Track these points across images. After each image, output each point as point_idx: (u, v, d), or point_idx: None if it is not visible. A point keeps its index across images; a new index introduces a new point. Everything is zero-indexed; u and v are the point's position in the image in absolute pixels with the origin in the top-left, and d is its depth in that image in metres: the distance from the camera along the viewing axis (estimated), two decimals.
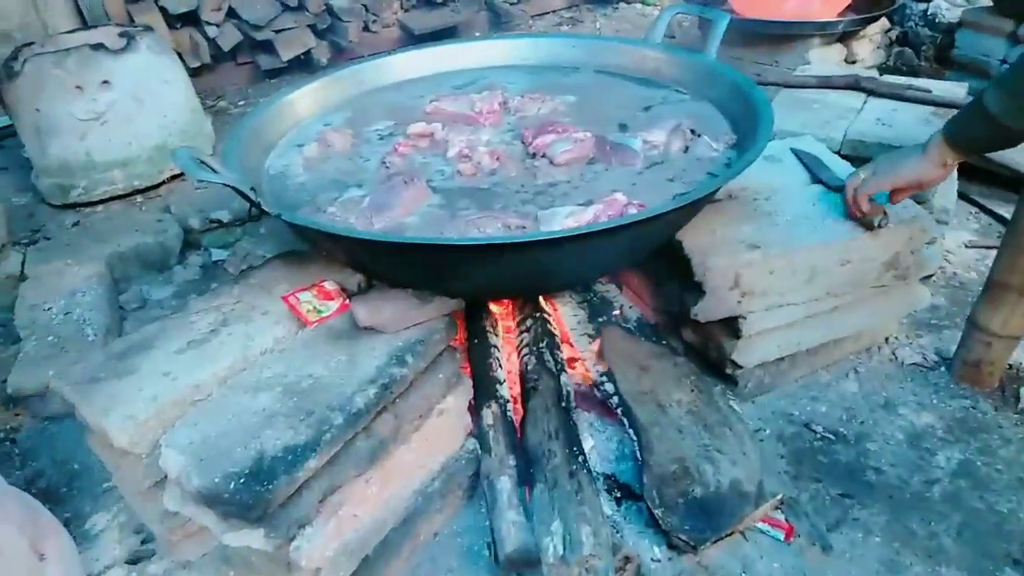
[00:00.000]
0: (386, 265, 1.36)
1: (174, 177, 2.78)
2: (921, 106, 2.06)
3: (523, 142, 1.65)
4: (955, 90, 2.16)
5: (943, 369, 1.82)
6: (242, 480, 1.07)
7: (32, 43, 2.75)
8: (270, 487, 1.07)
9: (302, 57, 3.71)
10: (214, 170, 1.33)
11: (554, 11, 4.62)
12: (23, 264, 2.33)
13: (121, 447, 1.19)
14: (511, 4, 4.31)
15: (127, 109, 2.59)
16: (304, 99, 1.82)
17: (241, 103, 3.64)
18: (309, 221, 1.27)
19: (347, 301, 1.39)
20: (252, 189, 1.25)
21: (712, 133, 1.58)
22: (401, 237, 1.23)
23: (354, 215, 1.39)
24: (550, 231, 1.25)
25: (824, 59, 2.79)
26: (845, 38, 2.83)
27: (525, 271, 1.30)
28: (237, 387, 1.23)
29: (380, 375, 1.22)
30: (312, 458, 1.11)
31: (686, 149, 1.56)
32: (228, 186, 1.24)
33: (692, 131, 1.57)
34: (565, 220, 1.31)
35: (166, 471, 1.14)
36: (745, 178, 1.47)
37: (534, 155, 1.58)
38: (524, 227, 1.32)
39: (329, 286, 1.43)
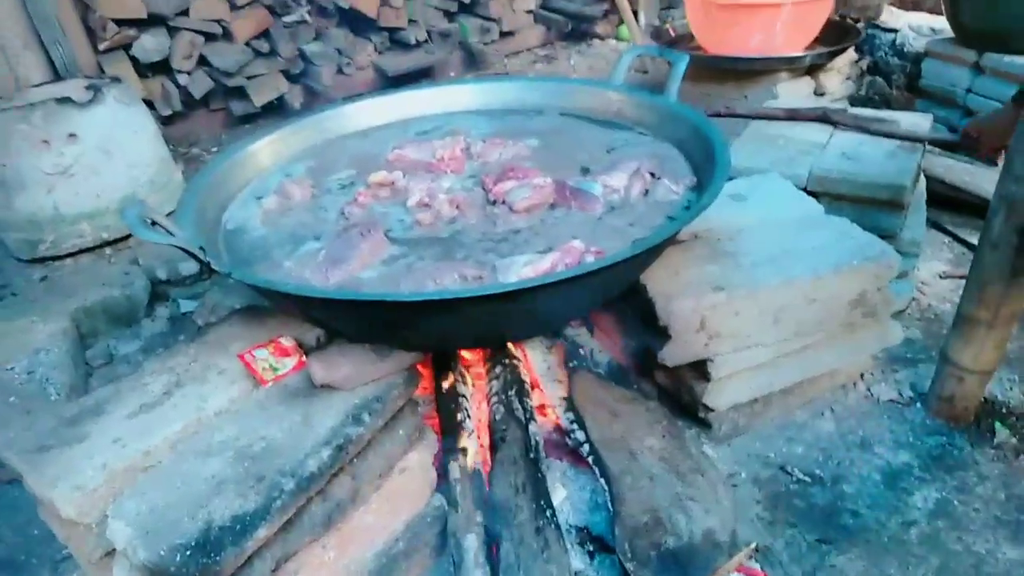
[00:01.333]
0: (340, 321, 1.33)
1: None
2: (887, 140, 2.06)
3: (484, 188, 1.63)
4: (921, 122, 2.17)
5: (919, 405, 1.80)
6: (188, 552, 1.03)
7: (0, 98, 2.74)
8: (218, 559, 1.03)
9: (275, 102, 3.71)
10: (165, 228, 1.31)
11: (529, 49, 4.67)
12: None
13: (69, 518, 1.15)
14: (485, 44, 4.34)
15: (94, 162, 2.57)
16: (265, 149, 1.81)
17: (214, 149, 3.63)
18: (258, 280, 1.25)
19: (304, 358, 1.36)
20: (201, 248, 1.23)
21: (672, 175, 1.57)
22: (346, 293, 1.21)
23: (310, 269, 1.37)
24: (499, 284, 1.23)
25: (793, 92, 2.81)
26: (813, 71, 2.85)
27: (481, 323, 1.28)
28: (188, 452, 1.20)
29: (335, 436, 1.19)
30: (262, 527, 1.07)
31: (646, 192, 1.55)
32: (177, 247, 1.22)
33: (652, 174, 1.56)
34: (523, 269, 1.29)
35: (114, 542, 1.10)
36: (709, 218, 1.46)
37: (494, 202, 1.57)
38: (481, 277, 1.30)
39: (286, 342, 1.40)
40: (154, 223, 1.29)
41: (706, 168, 1.54)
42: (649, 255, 1.34)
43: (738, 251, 1.64)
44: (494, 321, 1.29)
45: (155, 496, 1.12)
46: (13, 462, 1.20)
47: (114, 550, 1.17)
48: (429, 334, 1.30)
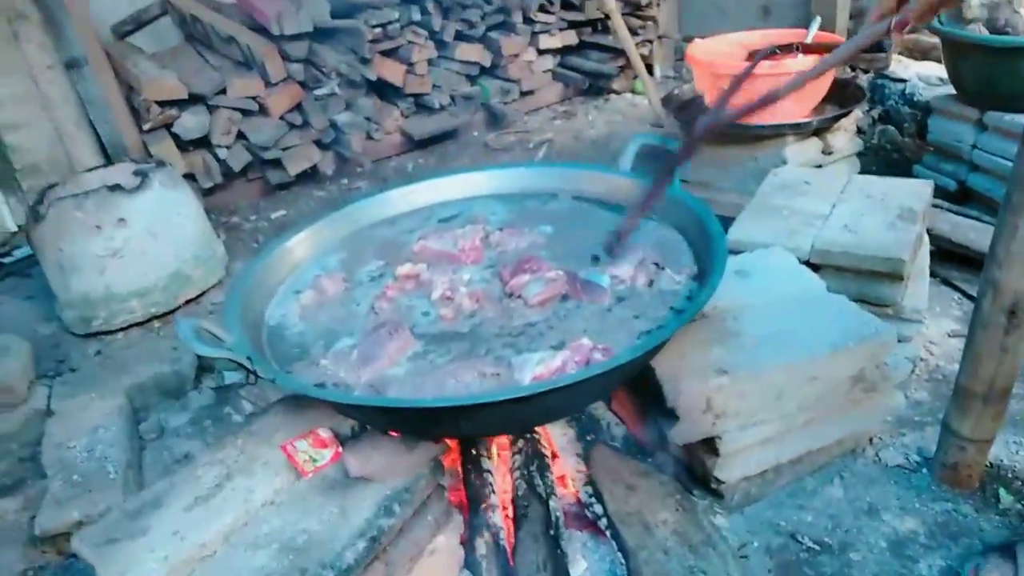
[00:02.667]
0: (370, 419, 1.46)
1: (189, 301, 2.94)
2: (888, 210, 2.16)
3: (501, 280, 1.77)
4: (922, 190, 2.27)
5: (925, 471, 1.87)
6: None
7: (56, 185, 2.96)
8: None
9: (308, 170, 3.91)
10: (214, 335, 1.46)
11: (548, 106, 4.83)
12: (49, 398, 2.47)
13: None
14: (506, 104, 4.52)
15: (142, 243, 2.77)
16: (301, 244, 1.96)
17: (253, 217, 3.83)
18: (298, 386, 1.39)
19: (340, 449, 1.50)
20: (249, 358, 1.37)
21: (675, 265, 1.69)
22: (374, 400, 1.34)
23: (344, 368, 1.51)
24: (509, 389, 1.35)
25: (801, 153, 2.90)
26: (820, 132, 2.95)
27: (498, 419, 1.40)
28: (239, 544, 1.33)
29: (369, 528, 1.32)
30: None
31: (651, 283, 1.67)
32: (228, 359, 1.36)
33: (656, 264, 1.68)
34: (536, 368, 1.42)
35: None
36: (714, 296, 1.56)
37: (511, 295, 1.70)
38: (498, 374, 1.43)
39: (324, 433, 1.54)
40: (208, 331, 1.44)
41: (705, 256, 1.66)
42: (653, 352, 1.46)
43: (741, 331, 1.75)
44: (510, 416, 1.41)
45: None
46: (86, 554, 1.34)
47: None
48: (450, 430, 1.43)
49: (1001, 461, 1.87)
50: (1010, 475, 1.83)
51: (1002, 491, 1.78)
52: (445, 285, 1.74)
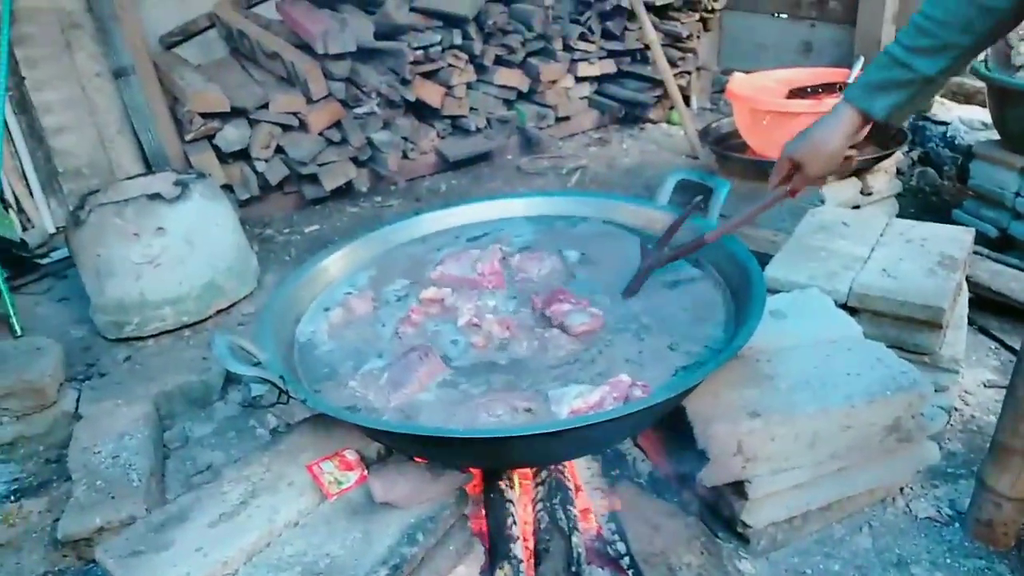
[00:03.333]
0: (398, 445, 1.46)
1: (220, 312, 2.97)
2: (928, 256, 2.12)
3: (532, 309, 1.76)
4: (963, 237, 2.24)
5: (957, 525, 1.83)
6: None
7: (97, 191, 3.01)
8: None
9: (344, 186, 3.95)
10: (248, 352, 1.47)
11: (583, 132, 4.85)
12: (78, 401, 2.50)
13: None
14: (541, 129, 4.54)
15: (179, 252, 2.80)
16: (334, 263, 1.97)
17: (287, 230, 3.87)
18: (329, 408, 1.39)
19: (365, 472, 1.49)
20: (281, 378, 1.38)
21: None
22: (406, 427, 1.33)
23: (373, 391, 1.51)
24: (544, 424, 1.35)
25: (839, 193, 2.88)
26: (859, 172, 2.92)
27: (530, 453, 1.39)
28: (261, 564, 1.33)
29: (391, 555, 1.31)
30: None
31: None
32: (259, 377, 1.37)
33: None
34: (574, 402, 1.41)
35: None
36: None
37: (546, 322, 1.69)
38: (530, 408, 1.42)
39: (350, 455, 1.54)
40: (241, 348, 1.44)
41: (744, 297, 1.64)
42: (688, 392, 1.44)
43: (775, 373, 1.73)
44: (542, 449, 1.40)
45: None
46: (110, 566, 1.35)
47: None
48: (479, 460, 1.42)
49: None
50: None
51: None
52: (471, 311, 1.74)
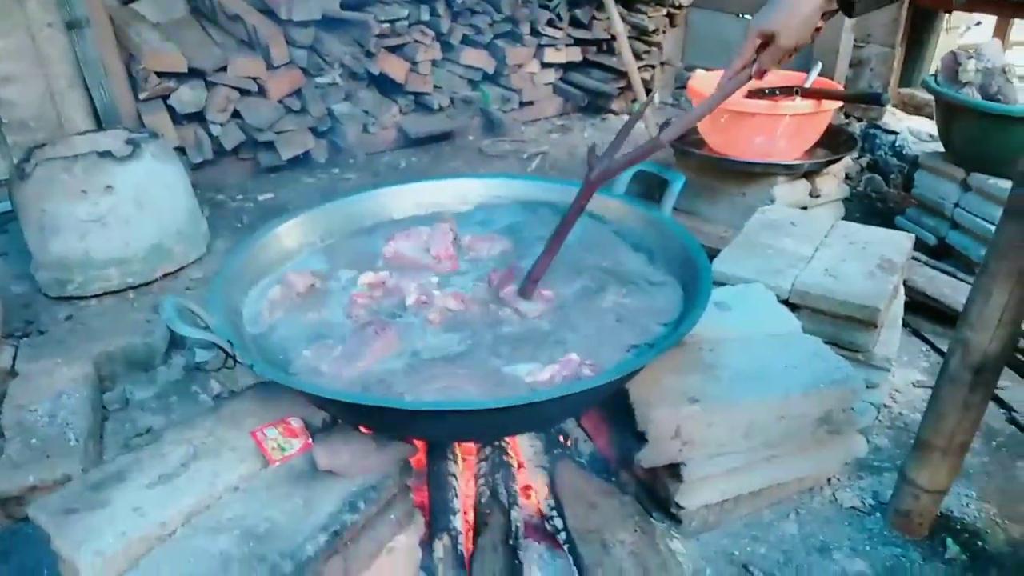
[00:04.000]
0: (344, 414, 1.47)
1: (167, 275, 2.92)
2: (869, 259, 2.20)
3: (489, 284, 1.78)
4: (903, 242, 2.33)
5: (878, 514, 1.91)
6: None
7: (44, 145, 2.92)
8: None
9: (301, 156, 3.90)
10: (198, 315, 1.46)
11: (546, 118, 4.87)
12: (14, 358, 2.44)
13: None
14: (504, 112, 4.54)
15: (127, 212, 2.74)
16: (289, 233, 1.95)
17: (239, 197, 3.81)
18: (275, 373, 1.39)
19: (310, 440, 1.50)
20: (229, 342, 1.37)
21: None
22: (349, 396, 1.34)
23: (326, 362, 1.51)
24: (492, 400, 1.37)
25: (789, 193, 2.96)
26: (809, 175, 3.01)
27: (474, 428, 1.41)
28: (200, 527, 1.33)
29: (332, 522, 1.32)
30: None
31: None
32: (208, 340, 1.36)
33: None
34: (525, 378, 1.43)
35: None
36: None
37: (500, 298, 1.71)
38: (480, 384, 1.44)
39: (295, 423, 1.54)
40: (190, 311, 1.43)
41: (690, 287, 1.69)
42: (631, 375, 1.48)
43: (717, 363, 1.78)
44: (484, 427, 1.42)
45: (169, 568, 1.25)
46: (42, 523, 1.33)
47: None
48: (423, 432, 1.44)
49: (951, 512, 1.91)
50: (959, 527, 1.88)
51: (949, 541, 1.82)
52: (418, 291, 1.75)
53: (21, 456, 1.98)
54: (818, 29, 1.50)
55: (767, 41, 1.50)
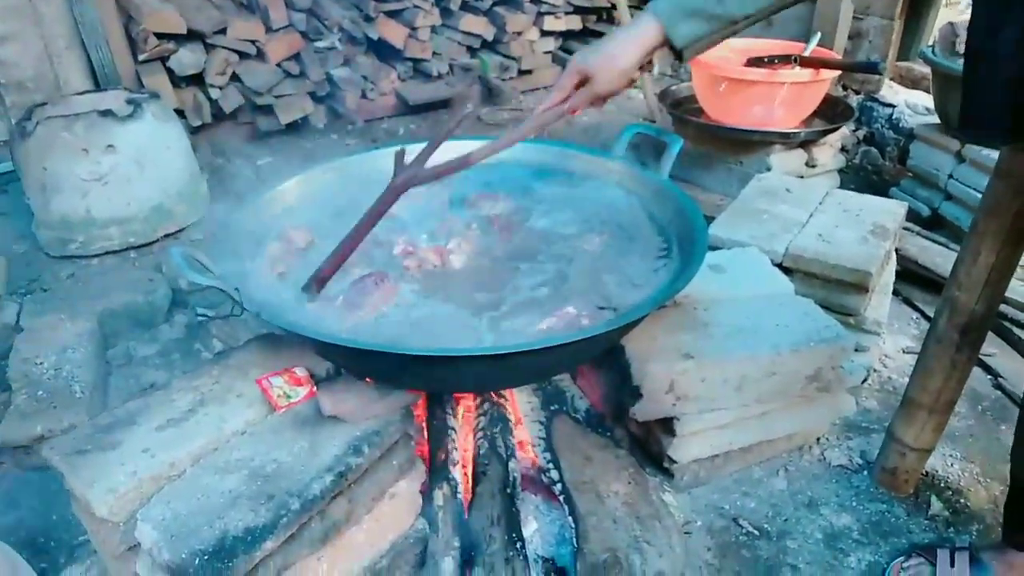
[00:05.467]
0: (349, 362, 1.51)
1: (168, 236, 2.94)
2: (862, 225, 2.24)
3: (491, 226, 1.82)
4: (896, 210, 2.37)
5: (865, 473, 1.97)
6: (206, 557, 1.20)
7: (45, 104, 2.93)
8: (230, 565, 1.20)
9: (299, 121, 3.90)
10: (205, 266, 1.49)
11: (544, 87, 4.86)
12: (19, 314, 2.47)
13: (101, 516, 1.31)
14: (503, 80, 4.54)
15: (128, 172, 2.76)
16: (287, 193, 1.97)
17: (238, 161, 3.82)
18: (282, 323, 1.42)
19: (314, 388, 1.54)
20: (236, 289, 1.41)
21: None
22: (356, 342, 1.36)
23: (328, 312, 1.55)
24: (492, 347, 1.41)
25: (785, 162, 2.99)
26: (806, 144, 3.04)
27: (473, 377, 1.45)
28: (208, 467, 1.37)
29: (337, 464, 1.36)
30: (269, 539, 1.24)
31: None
32: (216, 287, 1.39)
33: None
34: (524, 328, 1.47)
35: (140, 542, 1.27)
36: (689, 286, 1.62)
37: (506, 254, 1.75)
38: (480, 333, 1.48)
39: (299, 372, 1.58)
40: (197, 260, 1.46)
41: (687, 246, 1.72)
42: (629, 326, 1.52)
43: (711, 321, 1.82)
44: (484, 376, 1.46)
45: (179, 504, 1.29)
46: (55, 462, 1.37)
47: (135, 547, 1.34)
48: (426, 380, 1.48)
49: (936, 471, 1.97)
50: (942, 485, 1.94)
51: (933, 498, 1.89)
52: (405, 242, 1.78)
53: (28, 407, 2.02)
54: (632, 81, 1.52)
55: (583, 81, 1.52)
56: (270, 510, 1.27)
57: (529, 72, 4.74)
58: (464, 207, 1.99)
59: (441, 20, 4.25)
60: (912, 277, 2.78)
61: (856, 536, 1.80)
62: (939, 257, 2.73)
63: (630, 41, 1.43)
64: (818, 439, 2.07)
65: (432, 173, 1.59)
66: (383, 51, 4.17)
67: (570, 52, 4.83)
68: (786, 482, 1.95)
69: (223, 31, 3.61)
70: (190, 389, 1.55)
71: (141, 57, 3.52)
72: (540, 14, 4.55)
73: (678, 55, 1.42)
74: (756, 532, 1.80)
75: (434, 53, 4.29)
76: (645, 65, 1.51)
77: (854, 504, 1.89)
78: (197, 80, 3.70)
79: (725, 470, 1.93)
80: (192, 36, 3.59)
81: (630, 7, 4.48)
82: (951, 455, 2.04)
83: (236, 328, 2.42)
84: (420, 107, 4.34)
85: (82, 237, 2.78)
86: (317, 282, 1.58)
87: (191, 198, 3.01)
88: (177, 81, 3.65)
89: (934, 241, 2.87)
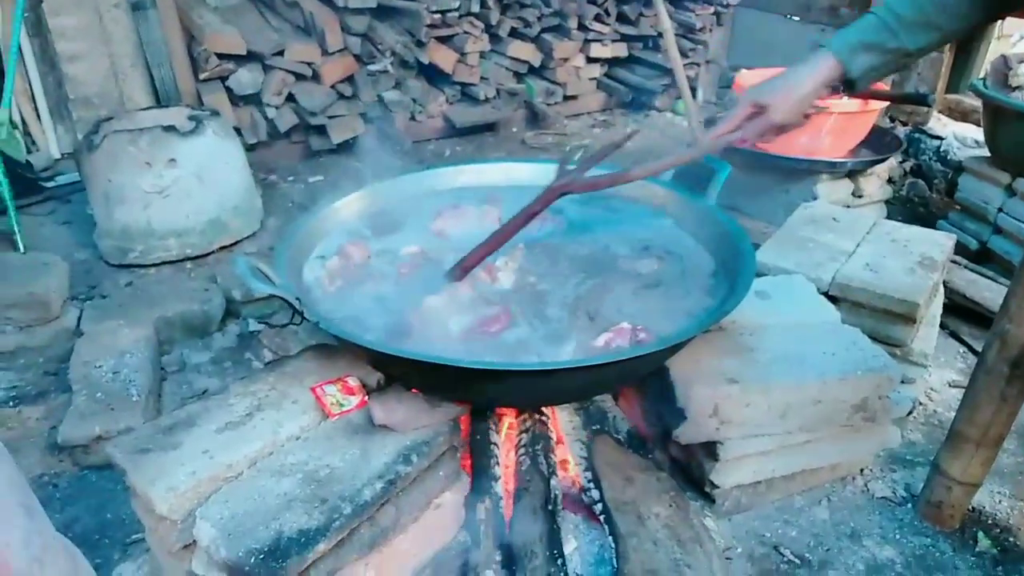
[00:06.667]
0: (400, 372, 1.55)
1: (223, 248, 3.04)
2: (910, 256, 2.23)
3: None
4: (944, 242, 2.35)
5: (910, 506, 1.95)
6: (261, 556, 1.24)
7: (111, 118, 3.06)
8: (284, 564, 1.24)
9: (350, 141, 4.00)
10: (267, 276, 1.55)
11: (588, 113, 4.92)
12: (79, 319, 2.57)
13: (160, 513, 1.37)
14: (548, 105, 4.61)
15: (189, 186, 2.87)
16: (344, 209, 2.04)
17: (290, 178, 3.93)
18: (341, 332, 1.47)
19: (366, 398, 1.58)
20: (298, 299, 1.46)
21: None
22: (410, 353, 1.41)
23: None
24: (548, 362, 1.44)
25: (832, 192, 2.99)
26: (853, 174, 3.04)
27: (525, 392, 1.49)
28: (265, 470, 1.42)
29: (387, 471, 1.40)
30: (322, 542, 1.28)
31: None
32: (277, 296, 1.45)
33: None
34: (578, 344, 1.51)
35: (198, 540, 1.32)
36: (735, 312, 1.64)
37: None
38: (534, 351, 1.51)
39: (352, 382, 1.62)
40: (259, 271, 1.52)
41: (734, 272, 1.74)
42: (675, 348, 1.54)
43: (756, 347, 1.83)
44: (535, 392, 1.49)
45: (236, 505, 1.33)
46: (119, 459, 1.43)
47: (191, 544, 1.39)
48: (476, 394, 1.52)
49: (983, 507, 1.94)
50: (990, 521, 1.91)
51: (980, 535, 1.86)
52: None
53: (88, 408, 2.10)
54: (807, 116, 1.56)
55: (758, 112, 1.56)
56: (323, 513, 1.31)
57: (574, 98, 4.80)
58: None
59: (490, 46, 4.34)
60: (959, 311, 2.75)
61: (899, 569, 1.78)
62: (988, 291, 2.70)
63: (807, 75, 1.49)
64: (861, 470, 2.05)
65: (589, 182, 1.67)
66: (433, 75, 4.27)
67: (615, 79, 4.89)
68: (828, 512, 1.93)
69: (281, 53, 3.74)
70: (247, 394, 1.60)
71: (202, 76, 3.66)
72: (587, 41, 4.62)
73: (851, 85, 1.48)
74: (797, 561, 1.79)
75: (482, 78, 4.38)
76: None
77: (898, 537, 1.87)
78: (254, 99, 3.82)
79: (767, 497, 1.93)
80: (251, 57, 3.72)
81: (677, 35, 4.54)
82: (1000, 492, 2.00)
83: (287, 339, 2.49)
84: (466, 130, 4.43)
85: (141, 247, 2.88)
86: (461, 269, 1.70)
87: (246, 212, 3.11)
88: (235, 100, 3.79)
89: (982, 275, 2.84)
